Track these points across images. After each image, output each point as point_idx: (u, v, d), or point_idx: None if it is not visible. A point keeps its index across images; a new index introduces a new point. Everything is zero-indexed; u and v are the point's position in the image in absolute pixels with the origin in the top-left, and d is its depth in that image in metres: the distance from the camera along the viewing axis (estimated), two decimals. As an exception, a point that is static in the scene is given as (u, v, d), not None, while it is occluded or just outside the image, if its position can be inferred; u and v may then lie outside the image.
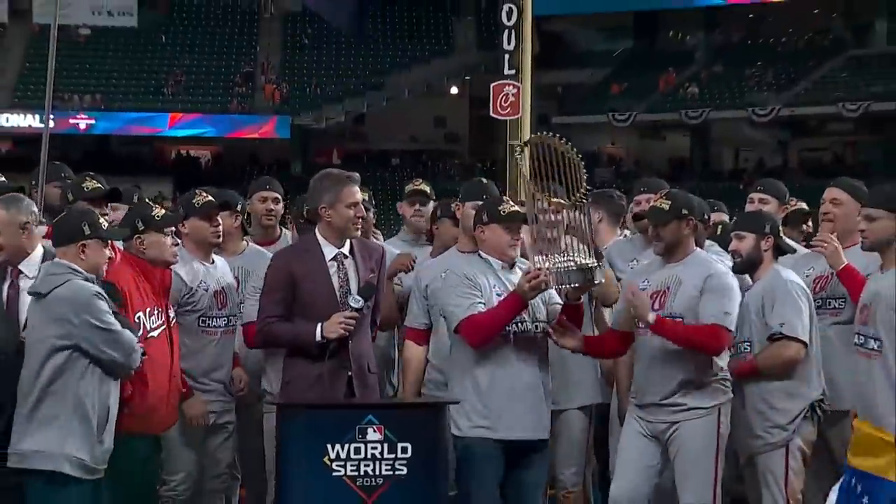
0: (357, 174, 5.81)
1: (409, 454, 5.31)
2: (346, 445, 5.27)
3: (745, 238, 6.03)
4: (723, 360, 5.79)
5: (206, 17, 45.96)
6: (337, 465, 5.27)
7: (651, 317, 5.59)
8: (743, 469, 6.07)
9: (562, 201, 5.51)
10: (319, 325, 5.58)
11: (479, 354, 5.69)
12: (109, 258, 5.37)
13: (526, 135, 20.37)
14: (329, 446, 5.26)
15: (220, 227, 6.16)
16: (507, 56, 21.81)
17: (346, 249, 5.73)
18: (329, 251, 5.71)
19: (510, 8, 21.80)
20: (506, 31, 21.92)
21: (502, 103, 21.15)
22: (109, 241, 5.40)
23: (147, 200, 6.40)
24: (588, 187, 5.53)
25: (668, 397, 5.72)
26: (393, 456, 5.30)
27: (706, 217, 6.34)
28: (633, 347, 5.93)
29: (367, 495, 5.27)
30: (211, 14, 46.13)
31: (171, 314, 5.79)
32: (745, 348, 5.96)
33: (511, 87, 21.18)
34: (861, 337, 5.56)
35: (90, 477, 5.19)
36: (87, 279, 5.21)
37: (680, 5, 42.89)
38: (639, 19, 44.71)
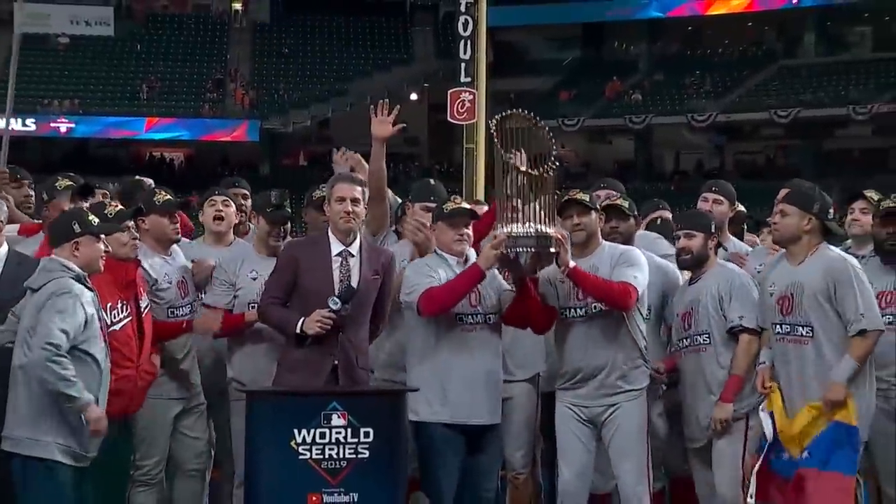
0: (359, 175, 5.83)
1: (371, 438, 5.30)
2: (312, 430, 5.25)
3: (696, 237, 6.03)
4: (640, 341, 5.74)
5: (180, 27, 45.58)
6: (303, 449, 5.25)
7: (571, 263, 5.53)
8: (698, 452, 6.04)
9: (530, 171, 5.42)
10: (301, 319, 5.55)
11: (436, 343, 5.67)
12: (106, 251, 5.29)
13: (482, 139, 20.40)
14: (296, 431, 5.24)
15: (179, 224, 6.09)
16: (463, 65, 21.83)
17: (353, 249, 5.68)
18: (336, 248, 5.68)
19: (466, 19, 21.82)
20: (462, 42, 21.94)
21: (459, 109, 21.16)
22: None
23: (102, 200, 6.28)
24: (555, 160, 5.46)
25: (605, 380, 5.70)
26: (356, 440, 5.29)
27: (637, 215, 6.42)
28: (559, 335, 5.85)
29: (332, 477, 5.26)
30: (184, 24, 45.76)
31: (144, 303, 5.69)
32: (705, 340, 5.94)
33: (467, 94, 21.20)
34: (786, 326, 5.58)
35: (78, 464, 5.12)
36: (77, 277, 5.13)
37: (624, 18, 43.07)
38: (586, 31, 44.81)
